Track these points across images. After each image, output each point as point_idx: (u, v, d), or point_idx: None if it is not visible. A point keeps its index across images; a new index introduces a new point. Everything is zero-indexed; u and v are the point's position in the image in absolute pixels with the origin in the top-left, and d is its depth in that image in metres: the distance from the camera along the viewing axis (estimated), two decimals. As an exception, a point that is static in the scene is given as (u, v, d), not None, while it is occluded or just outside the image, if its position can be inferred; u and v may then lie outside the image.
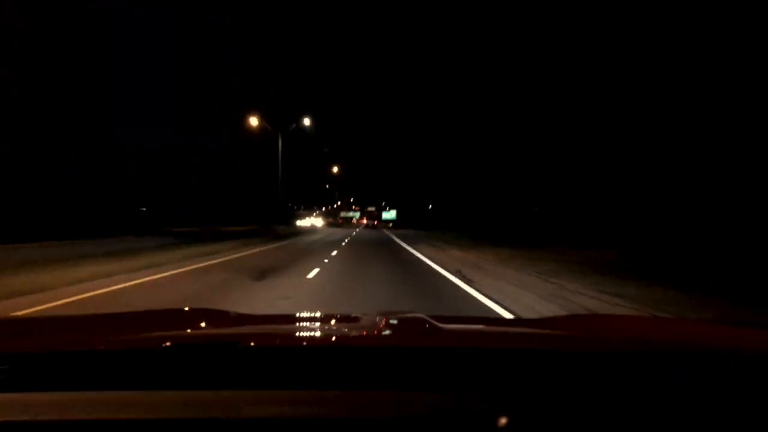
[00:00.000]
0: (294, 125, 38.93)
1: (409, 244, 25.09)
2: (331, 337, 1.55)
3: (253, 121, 36.76)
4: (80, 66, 42.40)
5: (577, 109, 28.04)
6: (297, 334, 1.70)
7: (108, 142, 46.95)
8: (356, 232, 48.45)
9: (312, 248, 21.17)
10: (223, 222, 52.70)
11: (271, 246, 22.30)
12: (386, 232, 53.47)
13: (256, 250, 19.31)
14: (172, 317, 2.00)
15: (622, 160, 23.47)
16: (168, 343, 1.14)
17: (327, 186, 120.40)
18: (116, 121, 49.30)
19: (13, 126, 35.65)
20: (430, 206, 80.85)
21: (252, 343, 1.21)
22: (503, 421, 0.97)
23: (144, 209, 52.94)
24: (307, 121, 38.90)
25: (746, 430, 1.03)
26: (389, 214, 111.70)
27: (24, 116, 36.76)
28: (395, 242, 28.64)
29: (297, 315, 2.23)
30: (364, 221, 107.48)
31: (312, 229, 57.43)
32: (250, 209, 63.86)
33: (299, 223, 70.45)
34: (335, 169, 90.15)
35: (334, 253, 18.05)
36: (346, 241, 29.23)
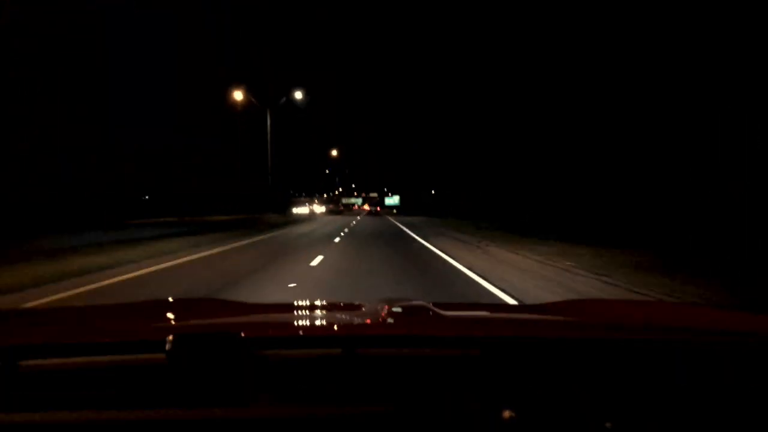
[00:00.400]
0: (284, 99, 36.39)
1: (426, 239, 18.58)
2: (332, 327, 1.54)
3: (238, 95, 34.67)
4: (80, 66, 42.41)
5: (577, 110, 28.06)
6: (299, 323, 1.69)
7: (108, 142, 46.99)
8: (357, 221, 42.24)
9: (292, 248, 15.20)
10: (215, 211, 51.12)
11: (237, 244, 16.29)
12: (391, 219, 46.73)
13: (206, 253, 13.26)
14: (169, 307, 2.00)
15: (621, 159, 23.47)
16: (169, 335, 1.14)
17: (327, 171, 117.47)
18: (116, 121, 49.39)
19: (13, 126, 35.63)
20: (433, 192, 78.37)
21: (254, 333, 1.21)
22: (507, 413, 0.97)
23: (146, 197, 53.43)
24: (298, 95, 36.20)
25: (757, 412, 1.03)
26: (392, 200, 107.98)
27: (24, 116, 36.75)
28: (407, 235, 21.91)
29: (299, 303, 2.22)
30: (366, 208, 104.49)
31: (309, 217, 53.58)
32: (247, 198, 63.09)
33: (296, 210, 66.28)
34: (334, 152, 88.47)
35: (317, 260, 11.36)
36: (344, 233, 23.01)
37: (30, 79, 37.26)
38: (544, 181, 33.30)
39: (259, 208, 43.93)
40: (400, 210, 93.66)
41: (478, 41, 44.47)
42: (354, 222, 38.62)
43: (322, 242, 17.50)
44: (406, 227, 28.89)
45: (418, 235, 21.13)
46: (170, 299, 2.21)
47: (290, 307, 2.05)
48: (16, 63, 35.96)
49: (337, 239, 18.95)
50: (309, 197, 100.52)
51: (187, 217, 39.88)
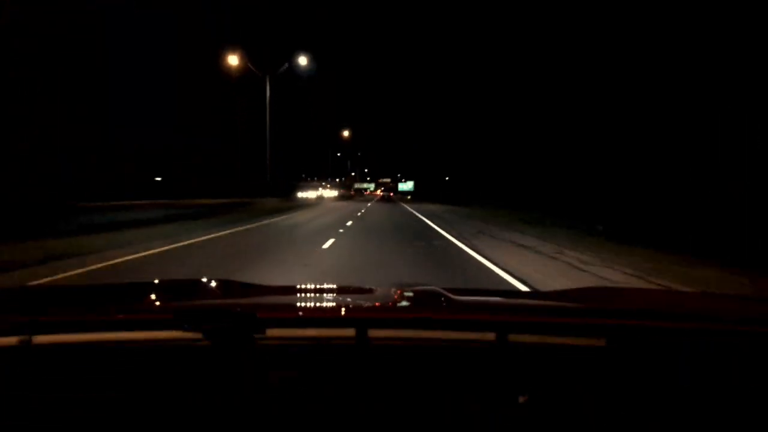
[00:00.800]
0: (286, 65, 33.46)
1: (469, 243, 12.49)
2: (346, 309, 1.54)
3: (233, 60, 31.60)
4: (80, 66, 42.44)
5: (577, 108, 28.07)
6: (312, 304, 1.69)
7: (108, 142, 47.03)
8: (367, 208, 36.13)
9: (249, 258, 9.68)
10: (206, 195, 43.25)
11: (173, 246, 11.06)
12: (407, 207, 39.93)
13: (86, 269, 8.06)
14: (185, 287, 2.00)
15: (622, 155, 23.42)
16: (184, 314, 1.14)
17: (338, 154, 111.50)
18: (116, 121, 49.42)
19: (13, 126, 35.66)
20: (447, 178, 75.49)
21: (269, 314, 1.21)
22: (521, 399, 0.97)
23: (159, 179, 52.89)
24: (302, 60, 32.92)
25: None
26: (406, 185, 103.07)
27: (24, 116, 36.78)
28: (436, 234, 15.24)
29: (311, 286, 2.21)
30: (378, 193, 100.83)
31: (314, 203, 48.51)
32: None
33: (303, 194, 61.08)
34: (346, 133, 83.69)
35: None
36: (345, 228, 16.85)
37: (30, 79, 37.28)
38: (569, 167, 31.09)
39: (258, 192, 38.81)
40: (414, 196, 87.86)
41: (505, 16, 41.74)
42: (363, 210, 32.01)
43: (305, 247, 11.58)
44: (430, 219, 21.97)
45: (452, 235, 14.75)
46: (179, 279, 2.22)
47: (303, 290, 2.04)
48: (16, 63, 35.98)
49: (329, 243, 12.10)
50: (321, 181, 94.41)
51: (168, 200, 32.96)
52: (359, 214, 27.26)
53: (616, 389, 1.03)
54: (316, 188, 73.82)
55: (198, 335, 1.07)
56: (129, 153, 53.02)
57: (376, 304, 1.62)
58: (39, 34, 37.71)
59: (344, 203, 50.34)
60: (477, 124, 51.66)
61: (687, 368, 1.08)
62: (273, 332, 1.13)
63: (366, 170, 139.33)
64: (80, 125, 41.68)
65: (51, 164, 37.96)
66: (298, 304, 1.62)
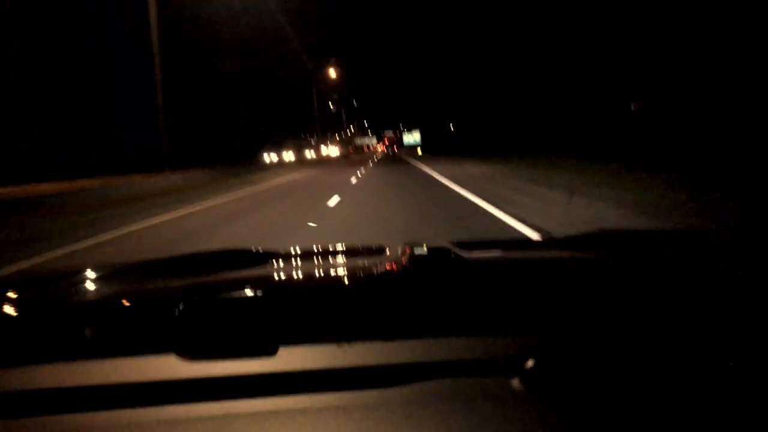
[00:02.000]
0: None
1: None
2: (351, 272, 1.53)
3: None
4: (80, 66, 42.42)
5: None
6: (319, 272, 1.68)
7: (108, 142, 46.97)
8: (355, 185, 17.54)
9: None
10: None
11: None
12: (435, 175, 19.59)
13: None
14: (200, 259, 1.99)
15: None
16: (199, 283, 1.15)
17: (331, 106, 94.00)
18: (116, 121, 49.27)
19: (13, 126, 35.66)
20: (452, 127, 61.80)
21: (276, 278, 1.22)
22: (530, 363, 0.91)
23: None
24: None
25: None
26: (412, 137, 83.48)
27: (24, 116, 36.78)
28: None
29: (319, 248, 2.19)
30: (381, 148, 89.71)
31: (277, 172, 32.04)
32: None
33: (271, 158, 47.29)
34: (332, 74, 68.54)
35: None
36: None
37: (30, 79, 37.27)
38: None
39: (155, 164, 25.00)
40: (426, 150, 65.85)
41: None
42: (352, 181, 18.53)
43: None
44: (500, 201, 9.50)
45: None
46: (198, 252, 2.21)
47: (309, 253, 2.02)
48: (16, 63, 35.97)
49: None
50: (311, 138, 78.59)
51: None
52: (347, 188, 14.80)
53: (642, 344, 0.96)
54: (299, 147, 55.53)
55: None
56: (129, 153, 52.97)
57: (387, 265, 1.60)
58: (39, 34, 37.69)
59: (323, 171, 31.52)
60: (495, 56, 40.71)
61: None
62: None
63: (365, 122, 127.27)
64: (80, 125, 41.67)
65: (51, 164, 37.98)
66: (305, 272, 1.62)
